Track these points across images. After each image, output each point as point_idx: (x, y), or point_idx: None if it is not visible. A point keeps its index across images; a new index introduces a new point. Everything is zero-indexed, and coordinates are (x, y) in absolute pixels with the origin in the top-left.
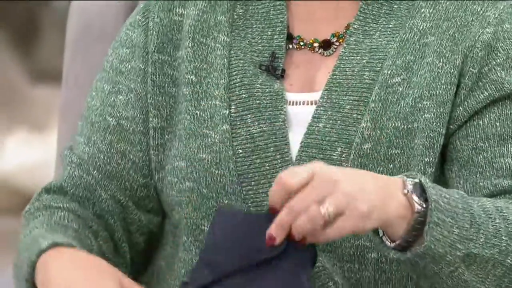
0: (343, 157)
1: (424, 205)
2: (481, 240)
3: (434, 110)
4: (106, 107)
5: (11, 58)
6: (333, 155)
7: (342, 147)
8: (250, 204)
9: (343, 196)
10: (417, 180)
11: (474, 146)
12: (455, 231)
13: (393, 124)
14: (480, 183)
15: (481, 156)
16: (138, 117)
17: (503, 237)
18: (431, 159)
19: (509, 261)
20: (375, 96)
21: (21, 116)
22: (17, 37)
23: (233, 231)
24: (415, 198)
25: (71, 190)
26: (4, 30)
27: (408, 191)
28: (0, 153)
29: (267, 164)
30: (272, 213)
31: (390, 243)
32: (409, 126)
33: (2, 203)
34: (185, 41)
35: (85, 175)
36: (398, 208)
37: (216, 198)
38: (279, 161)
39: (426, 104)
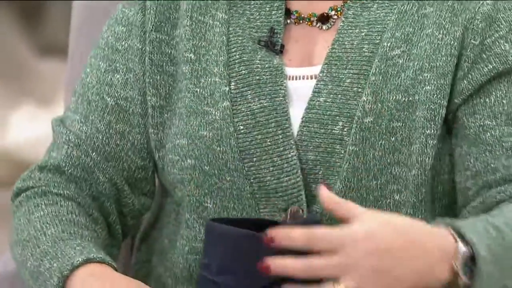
0: (345, 131)
1: (468, 282)
2: None
3: (435, 82)
4: (103, 86)
5: (17, 32)
6: (334, 129)
7: (343, 121)
8: (252, 180)
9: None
10: (467, 254)
11: (481, 124)
12: (505, 274)
13: (394, 97)
14: (492, 165)
15: (488, 134)
16: (136, 98)
17: None
18: (432, 131)
19: None
20: (375, 69)
21: (28, 90)
22: (24, 11)
23: (235, 251)
24: (462, 276)
25: (69, 171)
26: (11, 4)
27: (457, 266)
28: (6, 127)
29: (269, 140)
30: (266, 241)
31: None
32: (410, 98)
33: (7, 176)
34: (183, 19)
35: (83, 156)
36: (442, 280)
37: (218, 175)
38: (281, 136)
39: (427, 76)
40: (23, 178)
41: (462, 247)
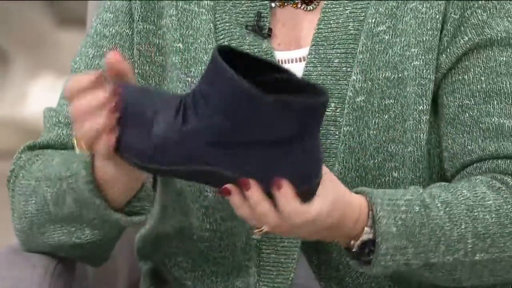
0: (338, 112)
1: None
2: (441, 250)
3: (423, 57)
4: (90, 70)
5: (36, 3)
6: (327, 111)
7: (335, 102)
8: None
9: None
10: (370, 237)
11: (460, 104)
12: (409, 250)
13: (384, 74)
14: (469, 146)
15: (467, 114)
16: None
17: (468, 240)
18: (424, 106)
19: (477, 258)
20: (362, 46)
21: (47, 61)
22: None
23: (237, 100)
24: (358, 250)
25: (59, 148)
26: None
27: (353, 244)
28: (26, 98)
29: None
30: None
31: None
32: (400, 75)
33: None
34: (168, 9)
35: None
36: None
37: None
38: None
39: (414, 51)
40: (14, 160)
41: (367, 230)
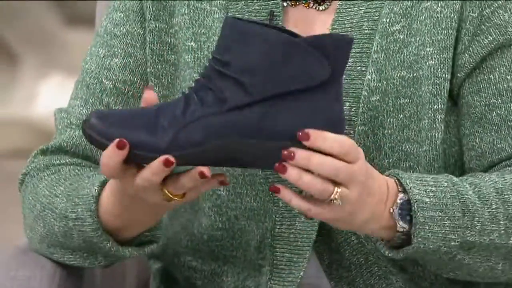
0: (352, 111)
1: (406, 226)
2: (477, 228)
3: (437, 56)
4: (102, 70)
5: (45, 3)
6: None
7: (350, 102)
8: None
9: (354, 200)
10: (405, 198)
11: (487, 103)
12: (446, 223)
13: (399, 74)
14: (498, 145)
15: (494, 113)
16: (138, 82)
17: (501, 222)
18: (440, 105)
19: (511, 241)
20: (377, 46)
21: (56, 61)
22: None
23: (258, 51)
24: (398, 218)
25: (72, 149)
26: None
27: (393, 210)
28: (35, 98)
29: None
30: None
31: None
32: (415, 74)
33: (34, 146)
34: (180, 7)
35: None
36: (381, 227)
37: None
38: None
39: (429, 50)
40: (27, 164)
41: (402, 196)
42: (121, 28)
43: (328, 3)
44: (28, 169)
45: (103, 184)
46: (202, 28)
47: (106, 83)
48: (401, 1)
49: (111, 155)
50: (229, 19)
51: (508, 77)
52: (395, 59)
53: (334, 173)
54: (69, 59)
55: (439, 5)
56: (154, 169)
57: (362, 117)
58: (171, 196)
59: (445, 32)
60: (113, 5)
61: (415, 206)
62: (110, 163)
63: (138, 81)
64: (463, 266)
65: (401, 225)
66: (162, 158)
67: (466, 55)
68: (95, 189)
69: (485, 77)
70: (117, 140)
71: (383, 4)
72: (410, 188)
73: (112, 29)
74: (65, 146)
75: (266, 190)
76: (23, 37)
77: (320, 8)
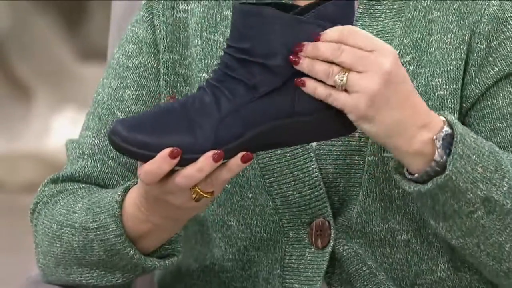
0: (362, 142)
1: (443, 158)
2: (504, 188)
3: (447, 87)
4: (114, 102)
5: (59, 37)
6: (351, 140)
7: (360, 132)
8: (274, 196)
9: (370, 88)
10: (450, 132)
11: (492, 127)
12: (478, 170)
13: None
14: None
15: (500, 136)
16: None
17: None
18: None
19: None
20: None
21: (69, 95)
22: (65, 17)
23: (274, 33)
24: (440, 146)
25: (84, 179)
26: (52, 10)
27: (436, 138)
28: (48, 132)
29: (288, 155)
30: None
31: (411, 176)
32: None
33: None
34: (193, 39)
35: (99, 165)
36: (419, 147)
37: (240, 193)
38: (300, 150)
39: (438, 81)
40: (38, 193)
41: (447, 128)
42: (134, 60)
43: None
44: (39, 197)
45: (126, 191)
46: (214, 59)
47: (119, 114)
48: (411, 34)
49: (160, 165)
50: (237, 6)
51: None
52: None
53: (336, 54)
54: (82, 93)
55: (449, 36)
56: (201, 165)
57: (372, 147)
58: (202, 193)
59: (455, 63)
60: (126, 37)
61: (458, 138)
62: (158, 172)
63: None
64: (476, 229)
65: (439, 155)
66: (209, 153)
67: (472, 85)
68: (119, 195)
69: (489, 102)
70: (169, 149)
71: (393, 37)
72: (456, 123)
73: (125, 61)
74: (77, 175)
75: (276, 221)
76: (36, 71)
77: None
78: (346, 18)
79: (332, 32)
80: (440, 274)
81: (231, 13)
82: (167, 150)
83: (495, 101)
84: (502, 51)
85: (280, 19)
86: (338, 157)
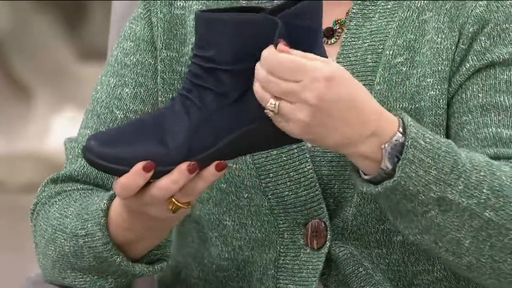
0: None
1: (390, 167)
2: (459, 187)
3: (438, 87)
4: (112, 100)
5: (59, 37)
6: None
7: None
8: (270, 196)
9: (302, 119)
10: (401, 140)
11: (459, 122)
12: (432, 172)
13: (401, 105)
14: None
15: (465, 129)
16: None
17: (484, 190)
18: (441, 136)
19: (487, 214)
20: (379, 78)
21: (69, 95)
22: (65, 17)
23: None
24: (386, 156)
25: (83, 178)
26: (52, 10)
27: (384, 147)
28: (48, 132)
29: (284, 155)
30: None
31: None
32: (416, 105)
33: None
34: (191, 36)
35: None
36: (369, 154)
37: (236, 193)
38: (296, 151)
39: (430, 81)
40: (38, 193)
41: (398, 134)
42: (132, 57)
43: (337, 37)
44: (39, 198)
45: (111, 198)
46: None
47: (117, 113)
48: (404, 34)
49: (135, 179)
50: (198, 14)
51: (480, 95)
52: (397, 90)
53: (265, 84)
54: (82, 93)
55: (439, 36)
56: (176, 177)
57: None
58: (179, 204)
59: (445, 63)
60: (124, 34)
61: (409, 143)
62: (133, 186)
63: (149, 110)
64: (432, 228)
65: (385, 164)
66: (184, 165)
67: (452, 83)
68: (104, 203)
69: (458, 97)
70: (143, 163)
71: (386, 37)
72: (410, 126)
73: (123, 58)
74: (76, 175)
75: (272, 221)
76: (36, 71)
77: (329, 42)
78: (316, 18)
79: (262, 59)
80: (437, 274)
81: None
82: (141, 164)
83: (463, 95)
84: (475, 47)
85: (236, 22)
86: (333, 158)
